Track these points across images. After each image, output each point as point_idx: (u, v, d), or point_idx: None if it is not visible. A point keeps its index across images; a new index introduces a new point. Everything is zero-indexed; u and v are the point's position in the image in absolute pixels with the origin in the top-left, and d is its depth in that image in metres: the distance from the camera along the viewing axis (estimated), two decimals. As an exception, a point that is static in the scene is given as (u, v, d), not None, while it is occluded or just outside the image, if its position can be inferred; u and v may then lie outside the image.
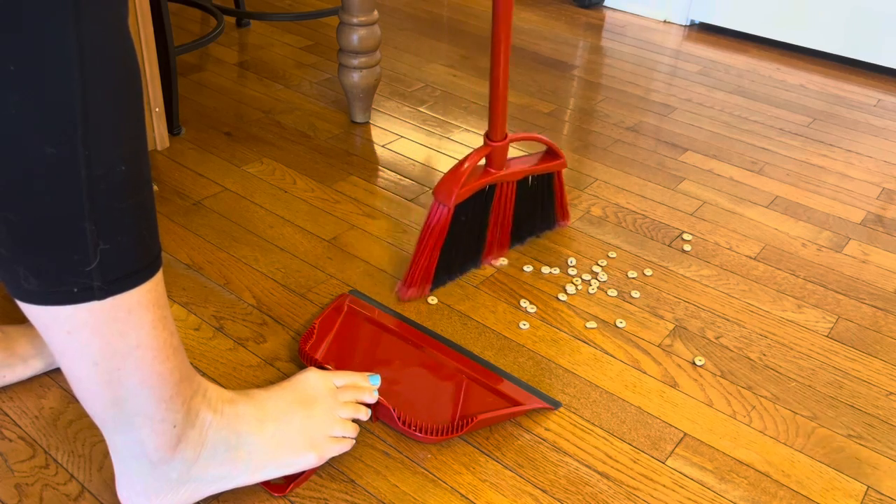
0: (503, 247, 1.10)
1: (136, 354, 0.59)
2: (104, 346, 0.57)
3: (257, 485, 0.74)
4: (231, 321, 0.95)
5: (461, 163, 0.97)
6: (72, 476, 0.74)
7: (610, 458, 0.81)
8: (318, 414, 0.74)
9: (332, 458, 0.76)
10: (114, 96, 0.53)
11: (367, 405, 0.79)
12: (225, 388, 0.77)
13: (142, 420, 0.62)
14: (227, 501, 0.72)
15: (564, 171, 1.04)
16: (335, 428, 0.75)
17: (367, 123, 1.44)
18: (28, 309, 0.56)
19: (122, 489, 0.67)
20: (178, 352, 0.63)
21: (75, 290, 0.54)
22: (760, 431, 0.85)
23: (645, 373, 0.92)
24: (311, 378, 0.77)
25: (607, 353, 0.94)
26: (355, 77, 1.37)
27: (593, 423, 0.84)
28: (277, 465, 0.71)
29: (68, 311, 0.55)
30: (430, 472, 0.77)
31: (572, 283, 1.05)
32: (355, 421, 0.77)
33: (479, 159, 0.99)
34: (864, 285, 1.10)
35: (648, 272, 1.08)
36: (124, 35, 0.53)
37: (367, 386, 0.79)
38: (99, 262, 0.54)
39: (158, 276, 0.60)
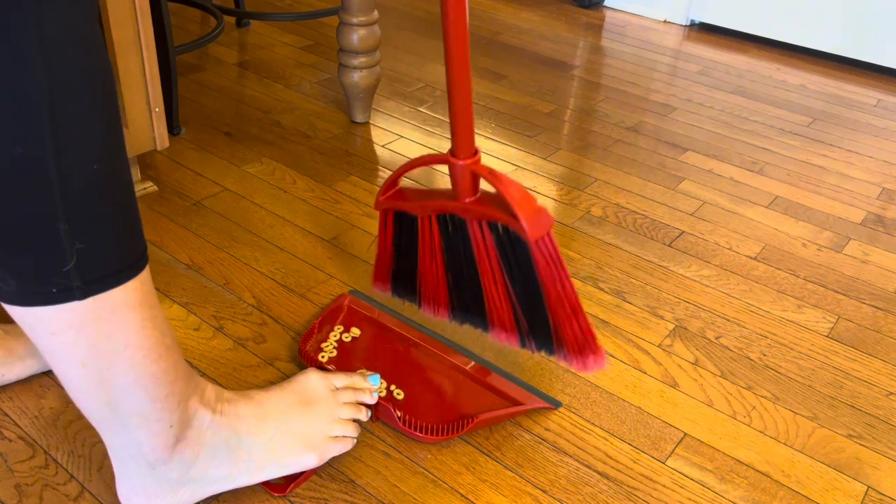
0: (508, 330, 0.82)
1: (126, 354, 0.58)
2: (91, 347, 0.57)
3: (257, 485, 0.74)
4: (231, 321, 0.95)
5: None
6: (72, 476, 0.74)
7: (610, 458, 0.81)
8: (318, 414, 0.74)
9: (332, 459, 0.76)
10: (83, 96, 0.52)
11: (367, 405, 0.79)
12: (225, 388, 0.77)
13: (137, 420, 0.62)
14: (227, 501, 0.72)
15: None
16: (335, 428, 0.75)
17: (367, 123, 1.44)
18: (12, 310, 0.55)
19: (122, 489, 0.67)
20: (172, 351, 0.63)
21: (54, 290, 0.54)
22: (760, 431, 0.85)
23: (645, 373, 0.92)
24: (312, 379, 0.77)
25: (607, 353, 0.94)
26: (355, 77, 1.37)
27: (593, 423, 0.84)
28: (277, 465, 0.71)
29: (50, 312, 0.55)
30: (430, 472, 0.77)
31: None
32: (355, 421, 0.77)
33: (428, 164, 0.79)
34: (864, 285, 1.10)
35: (648, 272, 1.08)
36: (91, 33, 0.52)
37: (367, 387, 0.79)
38: (77, 263, 0.53)
39: (144, 275, 0.59)
